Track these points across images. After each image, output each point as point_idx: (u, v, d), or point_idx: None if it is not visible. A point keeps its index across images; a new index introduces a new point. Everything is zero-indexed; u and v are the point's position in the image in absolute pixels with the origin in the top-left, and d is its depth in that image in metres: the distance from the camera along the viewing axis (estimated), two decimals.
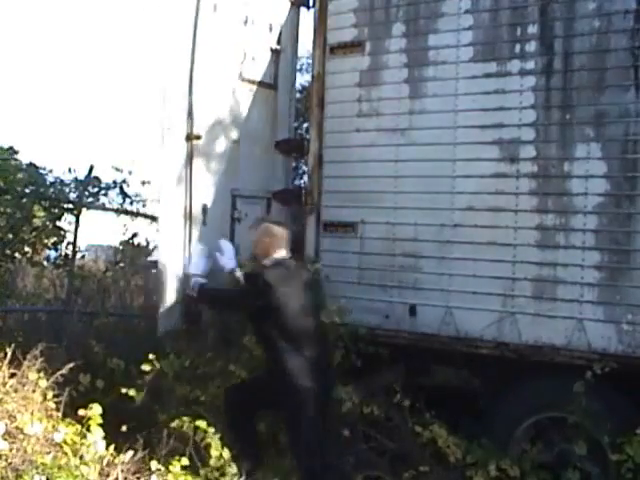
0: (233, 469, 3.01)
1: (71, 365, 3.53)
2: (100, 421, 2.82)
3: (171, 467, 2.78)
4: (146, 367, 3.75)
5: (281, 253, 3.66)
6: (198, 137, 4.14)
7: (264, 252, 3.68)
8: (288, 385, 3.40)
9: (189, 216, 4.11)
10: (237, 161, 4.45)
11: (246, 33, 4.50)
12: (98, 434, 2.77)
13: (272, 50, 4.76)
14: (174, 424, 3.21)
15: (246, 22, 4.49)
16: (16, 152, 6.48)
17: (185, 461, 2.84)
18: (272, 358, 3.54)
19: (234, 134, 4.45)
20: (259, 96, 4.66)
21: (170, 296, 4.05)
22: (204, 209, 4.21)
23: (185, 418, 3.22)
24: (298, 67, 5.45)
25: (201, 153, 4.20)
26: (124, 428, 3.34)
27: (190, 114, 4.09)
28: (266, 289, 3.43)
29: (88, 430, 2.78)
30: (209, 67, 4.20)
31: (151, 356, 3.79)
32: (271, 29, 4.72)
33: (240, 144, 4.47)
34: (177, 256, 4.06)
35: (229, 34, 4.38)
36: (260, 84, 4.67)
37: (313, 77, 4.67)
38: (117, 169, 6.23)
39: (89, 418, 2.82)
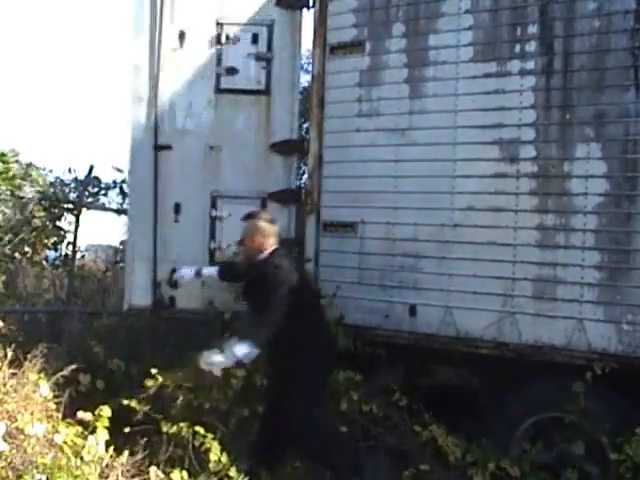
0: (232, 473, 3.00)
1: (72, 366, 3.53)
2: (107, 424, 2.81)
3: (172, 475, 2.77)
4: (149, 382, 3.73)
5: (273, 246, 3.74)
6: (167, 147, 4.79)
7: (257, 251, 3.72)
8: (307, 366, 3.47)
9: (155, 213, 4.79)
10: (218, 165, 4.83)
11: (220, 50, 4.87)
12: (103, 436, 2.76)
13: (259, 58, 4.87)
14: (172, 430, 3.20)
15: (219, 41, 4.84)
16: (17, 154, 6.49)
17: (185, 474, 2.83)
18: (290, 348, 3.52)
19: (213, 141, 4.83)
20: (244, 103, 4.88)
21: (138, 279, 4.75)
22: (177, 208, 4.78)
23: (182, 424, 3.21)
24: None
25: (174, 160, 4.81)
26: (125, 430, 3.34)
27: (156, 129, 4.80)
28: (286, 276, 3.53)
29: (94, 431, 2.77)
30: (178, 86, 4.84)
31: (154, 370, 3.77)
32: (255, 40, 4.87)
33: (222, 149, 4.83)
34: (145, 245, 4.77)
35: (199, 56, 4.85)
36: (244, 92, 4.89)
37: (313, 77, 4.68)
38: (117, 169, 6.25)
39: (96, 419, 2.81)
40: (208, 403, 3.80)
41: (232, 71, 4.84)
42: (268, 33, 4.87)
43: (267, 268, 3.58)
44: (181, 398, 3.78)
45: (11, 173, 6.02)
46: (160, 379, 3.72)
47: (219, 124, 4.84)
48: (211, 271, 4.12)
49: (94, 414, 2.86)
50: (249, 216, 3.84)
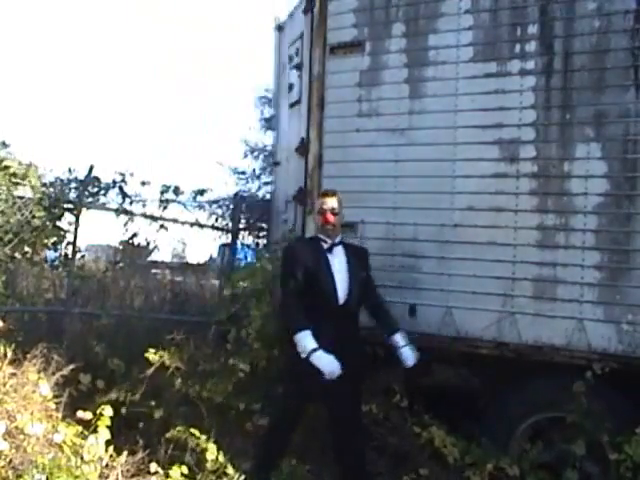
0: (230, 471, 3.01)
1: (72, 366, 3.53)
2: (109, 423, 2.81)
3: (171, 472, 2.78)
4: (150, 356, 3.88)
5: None
6: (278, 163, 5.95)
7: (339, 230, 3.63)
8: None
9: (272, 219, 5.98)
10: (287, 174, 5.53)
11: (289, 71, 5.48)
12: (104, 436, 2.76)
13: (297, 68, 5.16)
14: (169, 434, 3.22)
15: (290, 62, 5.45)
16: (7, 145, 6.46)
17: (185, 469, 2.84)
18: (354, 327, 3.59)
19: (286, 153, 5.53)
20: (293, 114, 5.36)
21: None
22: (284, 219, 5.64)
23: (180, 428, 3.22)
24: None
25: (280, 174, 5.86)
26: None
27: (275, 149, 6.05)
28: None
29: (95, 431, 2.77)
30: (282, 111, 5.79)
31: (152, 350, 3.90)
32: (298, 52, 5.22)
33: (289, 159, 5.47)
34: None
35: (285, 79, 5.61)
36: (293, 104, 5.36)
37: (313, 77, 4.68)
38: (118, 171, 6.25)
39: (98, 418, 2.81)
40: (205, 392, 3.84)
41: (291, 87, 5.40)
42: (300, 43, 5.12)
43: (360, 249, 3.77)
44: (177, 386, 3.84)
45: (4, 164, 5.97)
46: (157, 358, 3.80)
47: (287, 137, 5.51)
48: (310, 336, 3.35)
49: (94, 414, 2.86)
50: (336, 193, 3.66)
